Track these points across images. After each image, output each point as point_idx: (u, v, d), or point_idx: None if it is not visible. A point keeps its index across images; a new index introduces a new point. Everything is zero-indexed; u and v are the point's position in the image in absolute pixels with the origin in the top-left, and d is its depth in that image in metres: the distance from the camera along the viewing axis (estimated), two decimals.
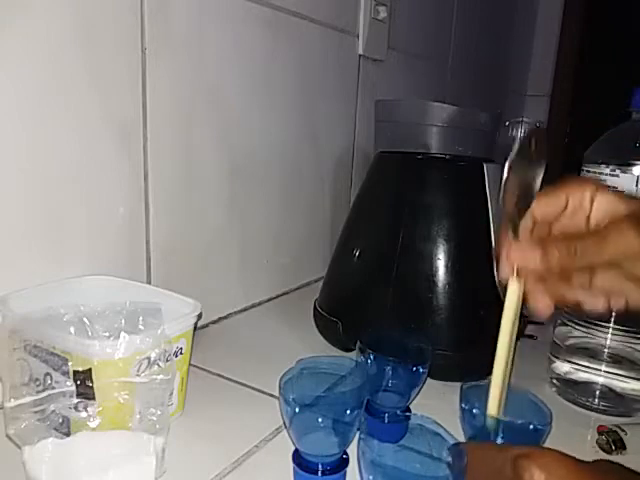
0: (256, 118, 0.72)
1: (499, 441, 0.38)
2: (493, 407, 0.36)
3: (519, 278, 0.35)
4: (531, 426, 0.37)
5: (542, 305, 0.37)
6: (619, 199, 0.35)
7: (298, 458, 0.38)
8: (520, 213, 0.36)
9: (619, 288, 0.36)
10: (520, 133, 1.88)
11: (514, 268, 0.35)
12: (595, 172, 0.52)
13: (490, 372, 0.37)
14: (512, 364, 0.38)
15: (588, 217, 0.36)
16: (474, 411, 0.39)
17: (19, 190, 0.47)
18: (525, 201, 0.36)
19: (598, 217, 0.36)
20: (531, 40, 1.78)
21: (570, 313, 0.55)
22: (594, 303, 0.37)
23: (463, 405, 0.40)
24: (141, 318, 0.45)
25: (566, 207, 0.37)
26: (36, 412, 0.39)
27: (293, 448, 0.39)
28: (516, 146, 0.35)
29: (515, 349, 0.38)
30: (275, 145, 0.76)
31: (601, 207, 0.35)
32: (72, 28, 0.49)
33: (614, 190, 0.37)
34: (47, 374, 0.40)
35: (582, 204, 0.36)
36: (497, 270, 0.36)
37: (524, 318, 0.61)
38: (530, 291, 0.36)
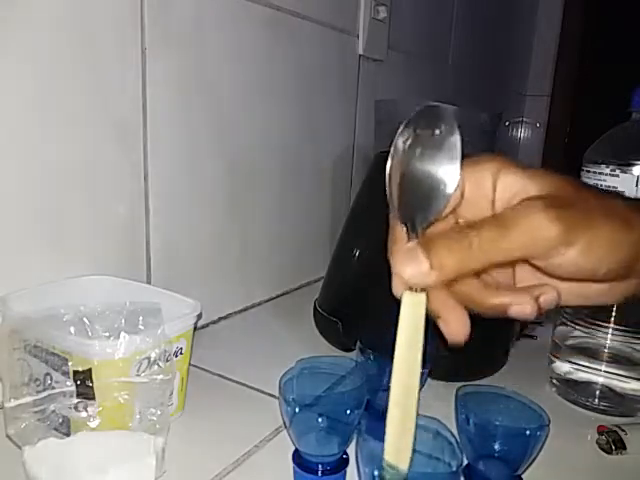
0: (256, 118, 0.72)
1: (496, 447, 0.37)
2: (391, 454, 0.27)
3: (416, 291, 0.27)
4: (528, 431, 0.36)
5: (455, 326, 0.28)
6: (528, 177, 0.27)
7: (298, 458, 0.38)
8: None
9: (542, 285, 0.28)
10: (521, 133, 1.87)
11: (405, 282, 0.26)
12: (595, 172, 0.52)
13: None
14: (418, 400, 0.28)
15: (493, 202, 0.28)
16: (470, 420, 0.38)
17: (19, 190, 0.47)
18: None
19: (504, 201, 0.28)
20: (531, 40, 1.78)
21: (569, 313, 0.55)
22: (520, 301, 0.28)
23: (458, 413, 0.39)
24: (141, 318, 0.45)
25: (462, 196, 0.28)
26: (36, 412, 0.39)
27: (293, 448, 0.39)
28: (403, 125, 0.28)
29: (422, 384, 0.28)
30: (275, 145, 0.76)
31: (507, 189, 0.28)
32: (72, 28, 0.49)
33: (522, 166, 0.28)
34: (47, 374, 0.40)
35: (482, 189, 0.28)
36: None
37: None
38: (435, 310, 0.28)
